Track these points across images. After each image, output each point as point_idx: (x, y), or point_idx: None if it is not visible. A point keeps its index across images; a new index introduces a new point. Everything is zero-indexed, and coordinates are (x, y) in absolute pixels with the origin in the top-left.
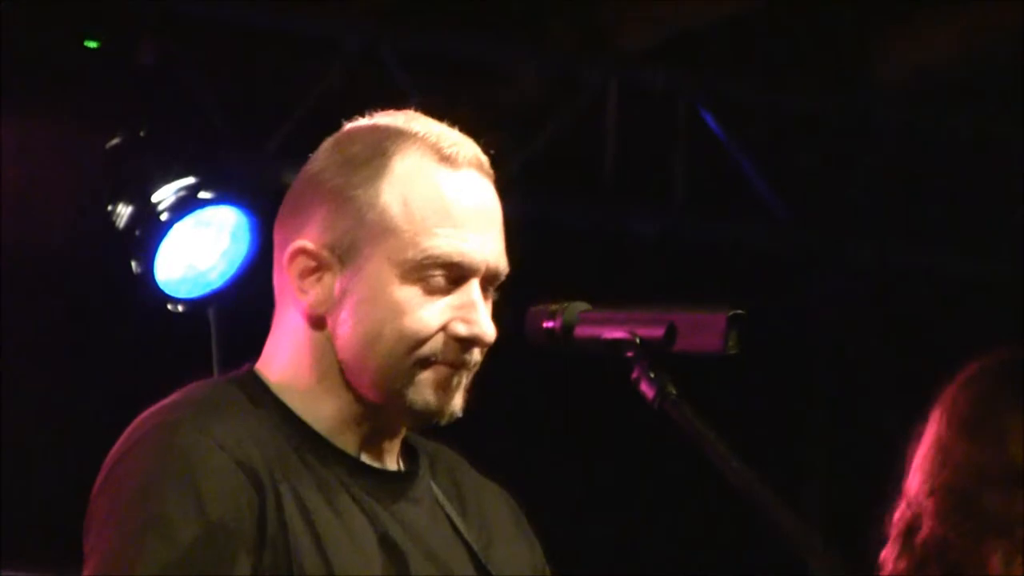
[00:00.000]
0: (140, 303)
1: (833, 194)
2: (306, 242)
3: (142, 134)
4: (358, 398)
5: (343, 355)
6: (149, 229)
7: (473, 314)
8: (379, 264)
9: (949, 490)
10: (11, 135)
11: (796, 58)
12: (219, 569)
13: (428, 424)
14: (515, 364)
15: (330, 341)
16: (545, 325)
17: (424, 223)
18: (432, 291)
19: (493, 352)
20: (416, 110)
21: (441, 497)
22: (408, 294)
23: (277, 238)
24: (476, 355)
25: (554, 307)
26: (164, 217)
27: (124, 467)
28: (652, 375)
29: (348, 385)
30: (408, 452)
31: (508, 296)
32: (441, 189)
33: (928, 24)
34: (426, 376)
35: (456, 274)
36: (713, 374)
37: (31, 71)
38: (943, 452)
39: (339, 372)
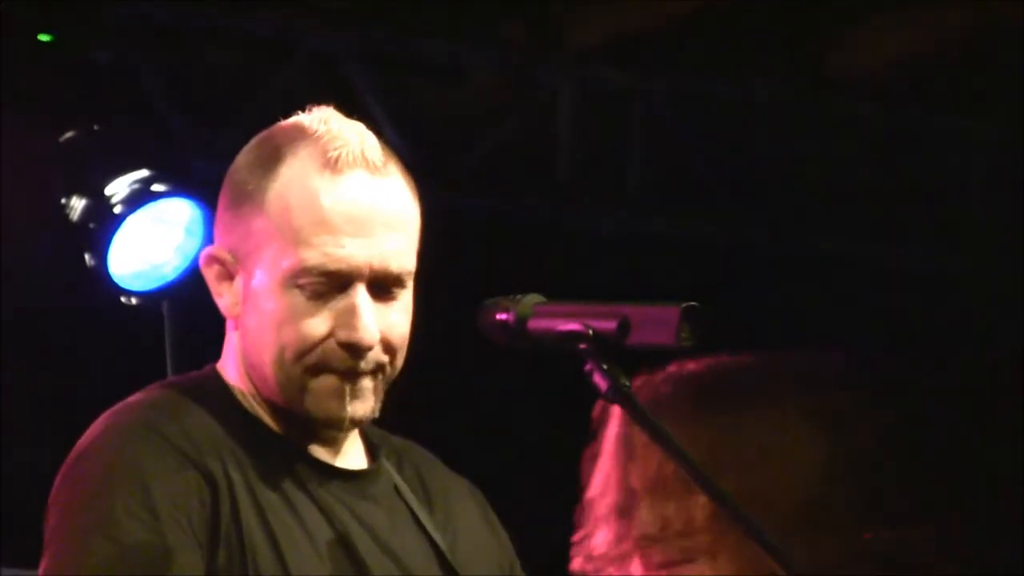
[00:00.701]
0: (94, 296)
1: (788, 187)
2: (215, 247)
3: (96, 128)
4: (274, 406)
5: (248, 360)
6: (103, 222)
7: (354, 319)
8: (265, 272)
9: (601, 505)
10: None
11: (749, 53)
12: (166, 556)
13: (337, 431)
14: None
15: (243, 347)
16: (499, 318)
17: (300, 232)
18: (316, 298)
19: (457, 352)
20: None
21: (407, 493)
22: (291, 303)
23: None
24: (373, 358)
25: (508, 300)
26: (118, 210)
27: (80, 467)
28: (605, 367)
29: (263, 393)
30: (370, 448)
31: (463, 291)
32: (318, 197)
33: (885, 17)
34: (317, 385)
35: (337, 281)
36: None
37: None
38: (603, 468)
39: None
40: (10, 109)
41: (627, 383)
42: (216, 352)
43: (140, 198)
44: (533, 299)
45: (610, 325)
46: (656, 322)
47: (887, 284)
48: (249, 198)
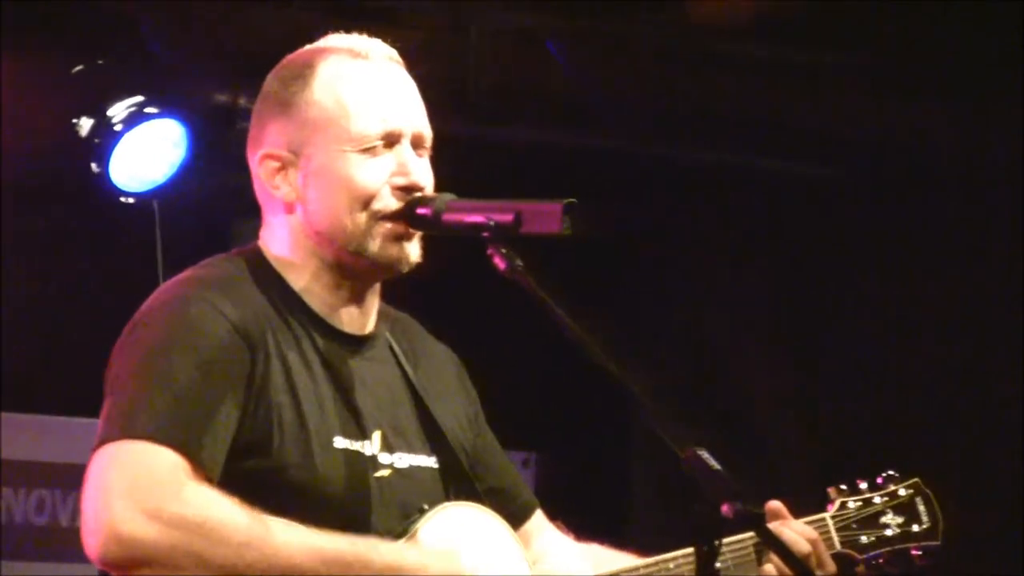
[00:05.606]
0: (98, 197)
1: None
2: (268, 148)
3: (100, 62)
4: (330, 267)
5: (317, 228)
6: (105, 138)
7: (407, 167)
8: (326, 148)
9: None
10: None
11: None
12: (211, 407)
13: (393, 272)
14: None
15: (303, 222)
16: (419, 212)
17: (353, 105)
18: (371, 157)
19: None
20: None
21: (399, 354)
22: (353, 164)
23: (249, 158)
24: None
25: (428, 198)
26: (118, 128)
27: (141, 331)
28: (504, 251)
29: (322, 257)
30: (378, 315)
31: None
32: (361, 78)
33: None
34: (382, 230)
35: (388, 141)
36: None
37: (25, 11)
38: None
39: (313, 247)
40: (29, 48)
41: (520, 263)
42: (197, 242)
43: (136, 118)
44: (446, 197)
45: (507, 217)
46: (544, 215)
47: (757, 191)
48: (294, 100)
